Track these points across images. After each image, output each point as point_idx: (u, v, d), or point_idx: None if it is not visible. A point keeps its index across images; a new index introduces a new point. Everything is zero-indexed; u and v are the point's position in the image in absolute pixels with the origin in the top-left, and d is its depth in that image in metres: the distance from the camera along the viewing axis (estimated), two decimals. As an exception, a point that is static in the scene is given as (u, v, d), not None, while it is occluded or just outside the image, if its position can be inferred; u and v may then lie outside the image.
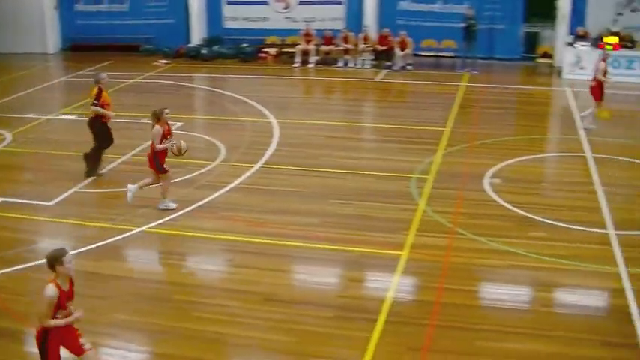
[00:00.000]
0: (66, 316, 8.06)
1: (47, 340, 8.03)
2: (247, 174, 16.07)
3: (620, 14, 28.44)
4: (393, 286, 11.42)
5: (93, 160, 16.21)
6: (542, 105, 24.19)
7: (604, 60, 20.56)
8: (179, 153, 14.32)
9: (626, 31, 28.11)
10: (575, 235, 13.37)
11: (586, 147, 18.26)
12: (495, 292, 11.57)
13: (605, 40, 27.13)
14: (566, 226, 13.67)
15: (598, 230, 13.53)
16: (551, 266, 12.14)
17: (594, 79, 20.45)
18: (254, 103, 22.32)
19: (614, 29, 27.83)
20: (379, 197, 14.92)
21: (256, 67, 29.11)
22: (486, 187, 15.44)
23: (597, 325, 10.57)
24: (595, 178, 16.11)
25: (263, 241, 13.07)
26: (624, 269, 12.00)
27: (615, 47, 26.96)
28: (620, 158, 17.54)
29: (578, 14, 28.97)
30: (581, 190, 15.56)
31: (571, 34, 28.30)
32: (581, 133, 19.54)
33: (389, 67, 28.40)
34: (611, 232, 13.43)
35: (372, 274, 12.15)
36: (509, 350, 9.83)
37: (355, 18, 30.08)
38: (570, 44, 27.66)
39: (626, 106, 23.97)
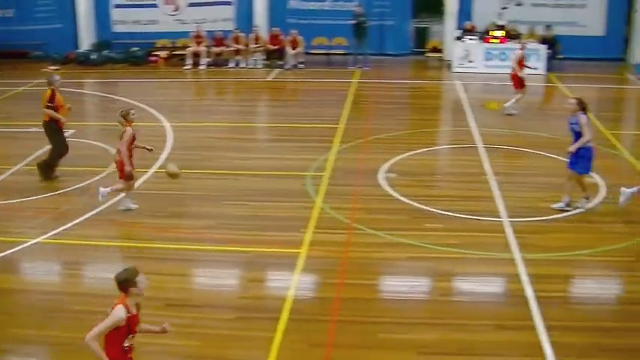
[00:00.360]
0: (131, 344, 7.61)
1: None
2: (142, 179, 15.81)
3: (505, 8, 29.14)
4: (293, 284, 11.40)
5: (48, 169, 15.80)
6: (433, 98, 24.62)
7: (521, 49, 21.64)
8: (173, 175, 14.18)
9: (512, 25, 28.86)
10: (470, 224, 13.63)
11: (477, 138, 18.65)
12: (395, 285, 11.72)
13: (492, 33, 27.80)
14: (461, 216, 13.93)
15: (492, 219, 13.83)
16: (448, 256, 12.35)
17: (513, 68, 21.53)
18: (146, 108, 21.99)
19: (500, 23, 28.52)
20: (276, 196, 14.91)
21: (147, 71, 28.71)
22: (381, 181, 15.59)
23: (495, 310, 10.83)
24: (487, 167, 16.46)
25: (161, 246, 12.88)
26: (519, 255, 12.32)
27: (502, 40, 27.67)
28: (509, 147, 17.97)
29: (465, 9, 29.66)
30: (474, 180, 15.87)
31: (459, 28, 28.89)
32: (472, 125, 19.95)
33: (281, 67, 28.42)
34: (505, 219, 13.74)
35: (272, 274, 12.11)
36: (411, 341, 9.94)
37: (246, 18, 29.98)
38: (459, 38, 28.22)
39: (512, 97, 24.49)
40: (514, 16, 29.35)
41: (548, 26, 28.75)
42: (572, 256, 12.47)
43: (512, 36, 28.28)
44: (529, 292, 11.12)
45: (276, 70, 28.11)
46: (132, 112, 14.11)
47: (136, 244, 13.03)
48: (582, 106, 13.96)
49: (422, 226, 13.52)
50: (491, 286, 11.75)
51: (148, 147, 14.56)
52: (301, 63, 28.47)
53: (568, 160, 14.31)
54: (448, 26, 29.35)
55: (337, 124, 20.07)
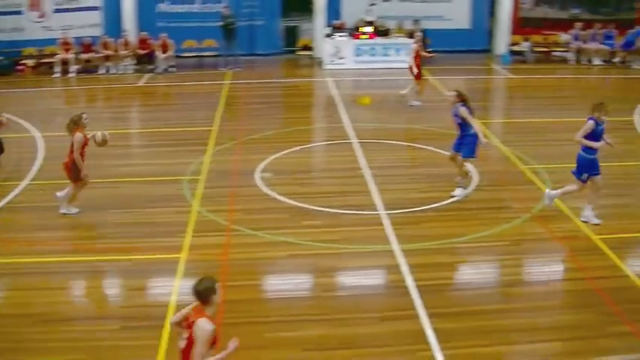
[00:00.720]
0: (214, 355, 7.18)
1: None
2: (15, 192, 15.33)
3: (373, 4, 29.63)
4: (175, 290, 11.25)
5: None
6: (305, 96, 24.78)
7: (417, 43, 22.36)
8: (102, 142, 14.06)
9: (381, 21, 29.33)
10: (348, 219, 13.78)
11: (351, 133, 18.87)
12: (277, 284, 11.73)
13: (361, 29, 28.18)
14: (339, 211, 14.07)
15: (370, 212, 14.02)
16: (328, 252, 12.44)
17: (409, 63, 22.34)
18: (15, 119, 21.32)
19: (369, 19, 28.95)
20: (153, 202, 14.69)
21: (14, 81, 27.72)
22: (258, 181, 15.59)
23: (378, 302, 10.99)
24: (362, 162, 16.68)
25: (37, 260, 12.47)
26: (397, 247, 12.54)
27: (371, 36, 28.09)
28: (382, 141, 18.26)
29: (334, 6, 29.97)
30: (350, 175, 16.05)
31: (329, 25, 29.15)
32: (345, 120, 20.17)
33: (152, 71, 28.05)
34: (382, 212, 13.96)
35: (154, 281, 11.91)
36: (297, 338, 9.97)
37: (114, 23, 29.31)
38: (328, 36, 28.47)
39: (384, 91, 25.03)
40: (382, 11, 29.89)
41: (416, 21, 29.36)
42: (449, 244, 12.80)
43: (381, 32, 28.75)
44: (409, 282, 11.34)
45: (148, 75, 27.73)
46: (84, 116, 13.87)
47: (9, 259, 12.55)
48: (462, 98, 14.56)
49: (301, 224, 13.59)
50: (373, 278, 11.89)
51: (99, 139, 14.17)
52: (172, 67, 28.19)
53: (453, 146, 14.99)
54: (318, 24, 29.60)
55: (211, 126, 19.95)
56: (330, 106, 22.56)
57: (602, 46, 30.44)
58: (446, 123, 18.44)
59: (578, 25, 30.46)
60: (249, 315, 10.56)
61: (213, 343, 7.25)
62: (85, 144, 13.81)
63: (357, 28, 28.65)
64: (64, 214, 14.11)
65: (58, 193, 14.08)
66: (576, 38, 30.35)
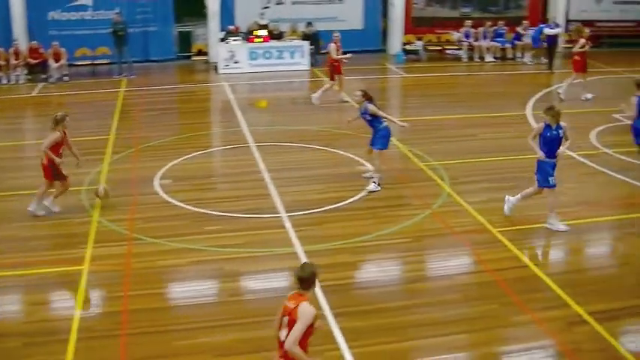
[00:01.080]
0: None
1: None
2: None
3: (266, 7, 29.70)
4: (78, 302, 11.06)
5: None
6: (202, 101, 24.63)
7: (335, 42, 22.92)
8: (104, 195, 14.42)
9: (274, 24, 29.40)
10: (250, 223, 13.78)
11: (249, 137, 18.85)
12: (182, 291, 11.61)
13: (255, 33, 28.18)
14: (241, 215, 14.05)
15: (271, 215, 14.04)
16: (232, 257, 12.42)
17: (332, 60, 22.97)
18: None
19: (263, 22, 29.01)
20: (53, 214, 14.38)
21: None
22: (158, 188, 15.43)
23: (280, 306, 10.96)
24: (261, 165, 16.69)
25: None
26: (300, 248, 12.60)
27: (265, 39, 28.12)
28: (280, 144, 18.32)
29: (227, 10, 29.87)
30: (250, 179, 16.04)
31: (223, 30, 29.03)
32: (243, 124, 20.15)
33: (45, 80, 27.38)
34: (284, 215, 14.00)
35: (56, 294, 11.66)
36: (207, 344, 9.91)
37: (3, 32, 28.46)
38: (223, 40, 28.36)
39: (279, 94, 25.14)
40: (276, 15, 29.98)
41: (309, 23, 29.55)
42: (352, 243, 12.92)
43: (275, 35, 28.81)
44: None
45: (41, 85, 27.04)
46: (67, 118, 14.14)
47: None
48: (368, 97, 15.17)
49: (203, 230, 13.50)
50: (278, 281, 11.87)
51: (79, 158, 14.53)
52: (66, 75, 27.57)
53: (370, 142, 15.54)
54: (212, 29, 29.46)
55: (108, 135, 19.64)
56: (227, 110, 22.49)
57: (494, 43, 31.26)
58: (341, 123, 18.68)
59: (469, 23, 31.22)
60: (156, 324, 10.43)
61: (310, 330, 7.40)
62: (60, 144, 13.88)
63: (251, 32, 28.66)
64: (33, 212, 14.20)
65: (45, 202, 14.31)
66: (467, 36, 31.05)
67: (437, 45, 32.22)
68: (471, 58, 31.21)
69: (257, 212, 14.18)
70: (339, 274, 11.84)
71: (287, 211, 14.16)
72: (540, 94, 25.06)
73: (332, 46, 23.14)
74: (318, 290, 11.14)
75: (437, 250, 13.06)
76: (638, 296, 11.31)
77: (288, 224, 13.63)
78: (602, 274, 12.34)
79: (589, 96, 23.75)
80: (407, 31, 32.01)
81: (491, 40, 31.36)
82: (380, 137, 15.31)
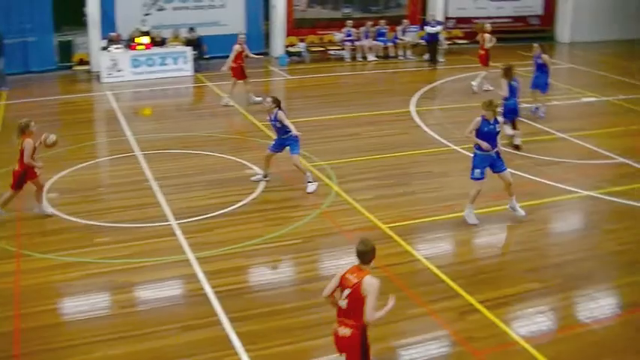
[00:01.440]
0: None
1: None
2: None
3: (148, 14, 29.37)
4: (-34, 324, 10.78)
5: None
6: (86, 112, 24.13)
7: (239, 44, 23.20)
8: (52, 144, 14.49)
9: (156, 30, 29.10)
10: (140, 232, 13.66)
11: (134, 146, 18.65)
12: (75, 306, 11.37)
13: (137, 40, 27.85)
14: (130, 225, 13.92)
15: (161, 224, 13.95)
16: (123, 268, 12.29)
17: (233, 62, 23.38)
18: None
19: (145, 29, 28.66)
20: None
21: None
22: (44, 202, 15.10)
23: (178, 313, 10.96)
24: (148, 174, 16.55)
25: None
26: (192, 255, 12.59)
27: (147, 46, 27.83)
28: (166, 151, 18.21)
29: (108, 18, 29.31)
30: (137, 188, 15.87)
31: (104, 38, 28.53)
32: (128, 133, 19.92)
33: None
34: (173, 222, 13.93)
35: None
36: (103, 359, 9.80)
37: None
38: (105, 48, 27.90)
39: (163, 101, 24.99)
40: (157, 21, 29.69)
41: (192, 28, 29.38)
42: (244, 247, 12.98)
43: (157, 42, 28.54)
44: (208, 289, 11.43)
45: None
46: (32, 124, 14.17)
47: None
48: (278, 104, 15.45)
49: (92, 242, 13.30)
50: (171, 289, 11.83)
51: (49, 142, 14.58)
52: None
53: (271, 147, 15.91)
54: (92, 37, 28.91)
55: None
56: (111, 119, 22.14)
57: (376, 43, 31.73)
58: (225, 128, 18.70)
59: (350, 23, 31.61)
60: (49, 342, 10.22)
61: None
62: (34, 150, 14.00)
63: (132, 39, 28.27)
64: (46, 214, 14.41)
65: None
66: (349, 36, 31.42)
67: (320, 46, 32.48)
68: (353, 58, 31.60)
69: (146, 221, 14.07)
70: (232, 278, 11.89)
71: (176, 219, 14.09)
72: (423, 90, 25.62)
73: (236, 48, 23.29)
74: (212, 296, 11.19)
75: (328, 250, 13.22)
76: (524, 282, 11.76)
77: (178, 232, 13.58)
78: (490, 263, 12.77)
79: (490, 87, 24.94)
80: (289, 33, 32.17)
81: (373, 40, 31.84)
82: (293, 142, 15.55)
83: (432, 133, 20.02)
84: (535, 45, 22.12)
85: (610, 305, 11.36)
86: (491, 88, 24.72)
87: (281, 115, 15.40)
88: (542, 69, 21.67)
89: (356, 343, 8.05)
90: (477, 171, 13.92)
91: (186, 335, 10.27)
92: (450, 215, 14.46)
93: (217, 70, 27.51)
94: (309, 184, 15.52)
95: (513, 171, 16.49)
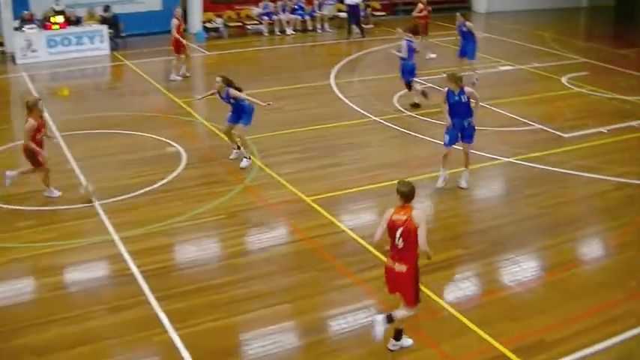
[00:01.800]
0: None
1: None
2: None
3: (62, -7, 28.83)
4: None
5: None
6: (1, 94, 23.60)
7: (177, 17, 23.39)
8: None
9: (71, 9, 28.55)
10: (63, 215, 13.51)
11: (53, 127, 18.30)
12: (1, 292, 11.15)
13: (52, 20, 27.30)
14: (53, 208, 13.75)
15: (83, 205, 13.77)
16: (47, 251, 12.13)
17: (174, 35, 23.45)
18: None
19: (59, 8, 28.08)
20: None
21: None
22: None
23: (106, 294, 10.88)
24: (68, 155, 16.33)
25: None
26: (116, 235, 12.50)
27: (62, 26, 27.32)
28: (86, 131, 17.97)
29: (21, -3, 28.63)
30: (58, 169, 15.55)
31: (17, 18, 27.85)
32: (46, 115, 19.46)
33: None
34: (96, 203, 13.78)
35: None
36: (27, 344, 9.64)
37: None
38: (18, 29, 27.29)
39: (81, 81, 24.62)
40: (72, 0, 29.10)
41: (107, 7, 28.93)
42: (168, 225, 12.95)
43: (72, 21, 28.04)
44: (134, 269, 11.38)
45: None
46: (40, 102, 14.05)
47: None
48: (228, 82, 15.41)
49: (15, 227, 13.08)
50: (97, 270, 11.73)
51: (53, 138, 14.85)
52: None
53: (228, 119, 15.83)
54: (5, 17, 28.15)
55: None
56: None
57: (293, 16, 31.72)
58: (145, 107, 18.57)
59: (267, -3, 31.53)
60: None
61: None
62: (37, 130, 13.79)
63: (47, 19, 27.71)
64: (47, 196, 14.16)
65: (8, 172, 14.22)
66: (267, 10, 31.33)
67: (237, 21, 32.30)
68: (272, 33, 31.57)
69: (69, 203, 13.89)
70: (157, 257, 11.86)
71: (99, 199, 13.95)
72: (342, 62, 25.75)
73: (174, 22, 23.34)
74: (138, 276, 11.15)
75: (253, 224, 13.25)
76: (448, 249, 11.99)
77: (101, 212, 13.46)
78: (413, 231, 12.91)
79: (433, 55, 26.02)
80: (206, 9, 31.90)
81: (291, 14, 31.83)
82: (247, 113, 15.56)
83: (352, 105, 20.17)
84: (458, 14, 22.80)
85: (532, 268, 11.68)
86: (433, 55, 25.32)
87: (232, 91, 15.38)
88: (467, 37, 22.26)
89: (410, 277, 8.96)
90: (446, 138, 14.40)
91: (115, 316, 10.23)
92: (374, 185, 14.62)
93: (135, 48, 27.33)
94: (245, 159, 15.50)
95: (433, 140, 16.83)
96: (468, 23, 22.40)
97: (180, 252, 12.39)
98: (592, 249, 12.55)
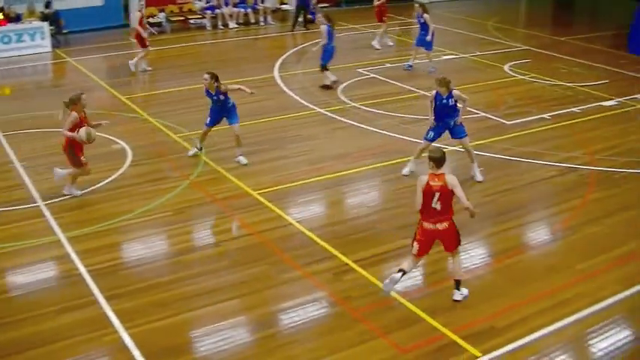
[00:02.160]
0: None
1: None
2: None
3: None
4: None
5: None
6: None
7: (140, 11, 24.08)
8: (88, 141, 13.62)
9: (10, 7, 28.12)
10: (6, 216, 13.28)
11: (-4, 127, 18.08)
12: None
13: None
14: (-4, 209, 13.56)
15: (28, 205, 13.60)
16: (-8, 253, 11.96)
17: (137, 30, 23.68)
18: None
19: (-1, 6, 27.67)
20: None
21: None
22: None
23: (54, 295, 10.74)
24: (11, 155, 16.10)
25: None
26: (62, 235, 12.36)
27: (2, 23, 26.90)
28: (30, 131, 17.70)
29: (-44, -7, 28.12)
30: (1, 170, 15.40)
31: (-48, 16, 27.38)
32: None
33: None
34: (41, 203, 13.61)
35: None
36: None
37: None
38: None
39: (23, 79, 24.25)
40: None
41: (48, 3, 28.53)
42: (115, 223, 12.85)
43: (11, 18, 27.61)
44: (82, 268, 11.27)
45: None
46: (83, 96, 13.86)
47: None
48: (215, 77, 15.40)
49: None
50: (44, 272, 11.56)
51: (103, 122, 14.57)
52: None
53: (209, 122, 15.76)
54: (-61, 16, 27.73)
55: None
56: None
57: (236, 10, 31.65)
58: (89, 104, 18.27)
59: (209, -10, 31.38)
60: None
61: None
62: (79, 124, 13.58)
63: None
64: (67, 194, 13.97)
65: (57, 170, 14.06)
66: (210, 4, 31.19)
67: (180, 15, 32.12)
68: (215, 26, 31.45)
69: (13, 204, 13.70)
70: (105, 256, 11.75)
71: (44, 200, 13.77)
72: (286, 55, 25.75)
73: (137, 15, 23.77)
74: (86, 275, 11.05)
75: (201, 220, 13.23)
76: (396, 239, 12.06)
77: (47, 212, 13.29)
78: (362, 222, 13.02)
79: (378, 46, 26.52)
80: (148, 4, 31.57)
81: (234, 7, 31.72)
82: (233, 111, 15.57)
83: (297, 97, 20.21)
84: (416, 5, 23.42)
85: (480, 255, 11.84)
86: (391, 43, 25.51)
87: (223, 87, 15.39)
88: (425, 27, 22.57)
89: (453, 230, 10.10)
90: (431, 134, 14.47)
91: (64, 317, 10.11)
92: (321, 177, 14.68)
93: (77, 45, 27.02)
94: (241, 156, 15.48)
95: (378, 130, 16.93)
96: (425, 15, 22.58)
97: (129, 250, 12.29)
98: (538, 234, 12.71)
